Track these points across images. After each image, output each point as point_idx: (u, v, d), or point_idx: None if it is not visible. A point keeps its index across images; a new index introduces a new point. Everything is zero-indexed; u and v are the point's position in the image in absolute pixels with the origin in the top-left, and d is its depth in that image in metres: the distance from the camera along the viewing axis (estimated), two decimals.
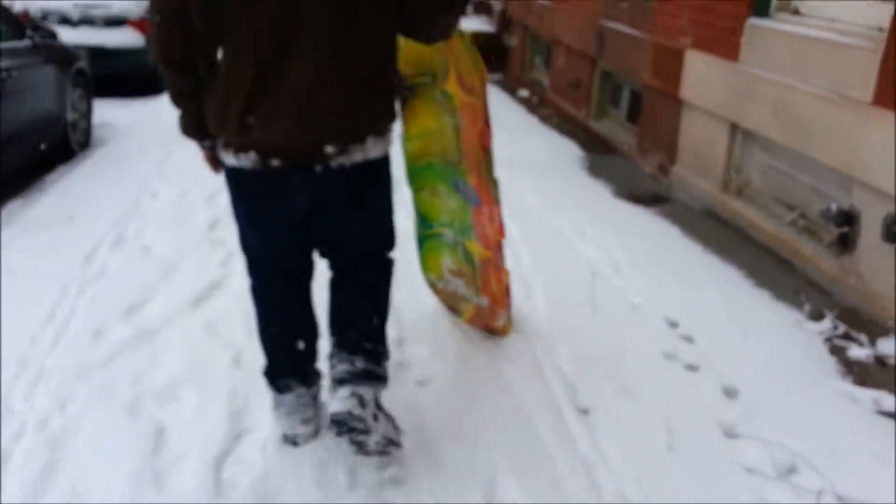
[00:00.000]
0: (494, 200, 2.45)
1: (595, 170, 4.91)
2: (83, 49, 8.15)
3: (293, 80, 1.69)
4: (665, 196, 4.33)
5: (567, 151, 5.43)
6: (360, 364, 1.98)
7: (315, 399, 2.13)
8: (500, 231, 2.50)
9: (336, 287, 2.09)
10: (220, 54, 1.76)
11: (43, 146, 5.32)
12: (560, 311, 2.83)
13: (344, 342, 2.02)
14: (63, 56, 5.89)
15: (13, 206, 4.38)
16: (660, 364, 2.54)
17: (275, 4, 1.65)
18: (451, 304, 2.82)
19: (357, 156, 1.79)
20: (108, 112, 7.74)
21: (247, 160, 1.77)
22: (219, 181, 2.07)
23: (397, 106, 1.97)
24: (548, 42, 7.21)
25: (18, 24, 5.25)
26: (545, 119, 6.49)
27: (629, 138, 5.24)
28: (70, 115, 5.92)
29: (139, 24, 8.49)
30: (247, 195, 1.88)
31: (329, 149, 1.75)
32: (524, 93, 7.63)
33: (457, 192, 2.48)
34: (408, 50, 2.13)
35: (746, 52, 3.67)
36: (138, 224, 3.93)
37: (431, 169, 2.49)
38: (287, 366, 2.08)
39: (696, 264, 3.33)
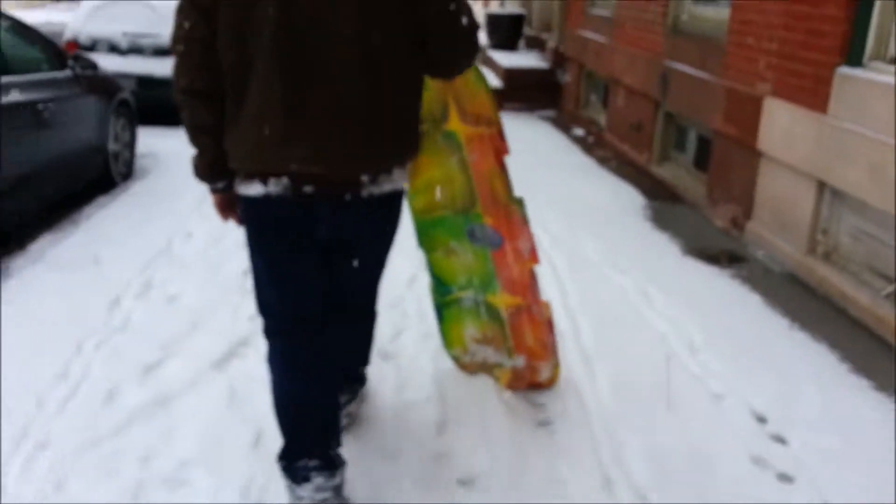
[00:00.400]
0: (521, 222, 2.33)
1: (660, 220, 4.53)
2: (131, 78, 8.20)
3: (325, 107, 1.67)
4: (740, 255, 3.92)
5: (628, 198, 5.06)
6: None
7: (338, 492, 1.90)
8: (533, 256, 2.37)
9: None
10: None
11: (83, 178, 5.21)
12: (629, 400, 2.46)
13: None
14: (105, 86, 5.80)
15: (44, 241, 4.20)
16: (748, 471, 2.16)
17: (305, 34, 1.63)
18: (484, 370, 2.63)
19: (386, 186, 1.79)
20: (153, 141, 7.66)
21: (277, 186, 1.71)
22: None
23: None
24: (605, 80, 6.89)
25: (60, 54, 5.15)
26: (603, 161, 6.14)
27: (696, 186, 4.85)
28: (112, 146, 5.81)
29: None
30: (272, 226, 1.80)
31: (364, 177, 1.74)
32: (579, 131, 7.31)
33: (473, 243, 2.38)
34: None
35: (836, 103, 3.28)
36: (168, 269, 3.70)
37: (443, 224, 2.39)
38: (308, 445, 1.89)
39: (783, 343, 2.91)
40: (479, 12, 14.22)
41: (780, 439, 2.29)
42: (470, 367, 2.65)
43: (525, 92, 8.45)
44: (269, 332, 1.93)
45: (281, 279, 1.86)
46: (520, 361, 2.51)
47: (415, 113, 1.84)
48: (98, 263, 3.74)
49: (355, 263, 1.94)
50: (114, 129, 5.82)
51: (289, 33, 1.63)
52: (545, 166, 5.98)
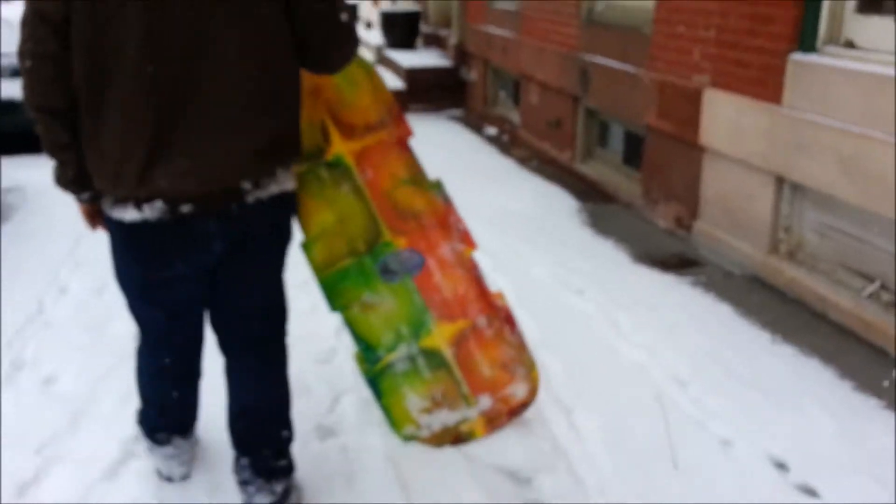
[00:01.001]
0: (443, 207, 2.15)
1: (599, 224, 4.21)
2: None
3: (202, 121, 1.57)
4: (692, 258, 3.65)
5: (559, 200, 4.74)
6: (278, 487, 1.95)
7: (193, 445, 2.17)
8: (467, 240, 2.18)
9: (235, 377, 1.97)
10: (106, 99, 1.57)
11: None
12: (628, 462, 2.08)
13: (258, 467, 1.94)
14: None
15: None
16: None
17: (178, 44, 1.52)
18: (452, 438, 2.26)
19: (272, 188, 1.72)
20: (19, 174, 6.73)
21: (152, 211, 1.62)
22: None
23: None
24: (514, 77, 6.56)
25: None
26: (523, 161, 5.81)
27: (629, 185, 4.58)
28: None
29: None
30: (148, 253, 1.71)
31: (246, 185, 1.66)
32: (491, 130, 6.97)
33: (389, 280, 2.15)
34: None
35: (792, 93, 3.04)
36: (40, 340, 3.04)
37: (348, 276, 2.14)
38: (168, 424, 2.07)
39: (772, 362, 2.62)
40: (372, 11, 13.68)
41: (809, 490, 1.98)
42: (431, 440, 2.25)
43: (429, 92, 8.04)
44: (141, 340, 1.97)
45: (155, 304, 1.82)
46: (485, 403, 2.23)
47: (295, 112, 1.73)
48: None
49: (252, 273, 1.83)
50: None
51: (156, 46, 1.51)
52: (463, 171, 5.57)
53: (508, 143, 6.46)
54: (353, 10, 1.78)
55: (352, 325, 2.17)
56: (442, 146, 6.44)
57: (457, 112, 8.03)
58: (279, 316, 1.95)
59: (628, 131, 4.72)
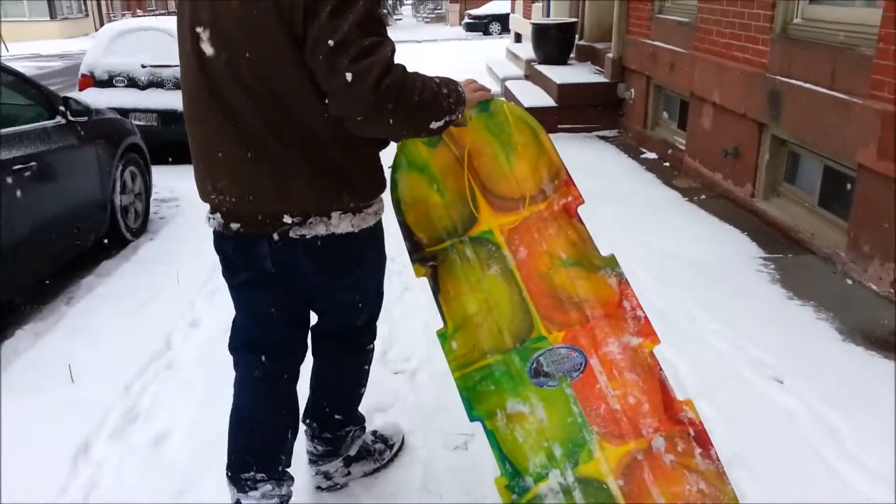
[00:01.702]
0: (616, 294, 1.79)
1: (791, 282, 3.51)
2: (152, 113, 7.46)
3: (231, 149, 1.62)
4: None
5: (738, 247, 4.05)
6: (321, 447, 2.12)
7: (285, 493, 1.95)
8: (649, 332, 1.78)
9: (314, 365, 2.09)
10: None
11: (85, 239, 4.46)
12: None
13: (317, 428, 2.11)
14: (109, 131, 5.02)
15: (18, 338, 3.39)
16: None
17: (209, 68, 1.60)
18: None
19: (319, 229, 1.69)
20: (177, 185, 6.91)
21: (215, 223, 1.77)
22: None
23: (373, 179, 1.72)
24: (681, 96, 5.88)
25: (48, 99, 4.37)
26: (688, 193, 5.13)
27: (828, 233, 3.82)
28: (120, 199, 5.03)
29: None
30: (222, 258, 1.86)
31: (287, 219, 1.67)
32: (650, 155, 6.31)
33: (542, 385, 1.79)
34: (417, 207, 1.89)
35: None
36: (160, 386, 2.84)
37: (491, 378, 1.82)
38: (256, 460, 1.91)
39: None
40: (522, 23, 13.18)
41: None
42: None
43: (581, 111, 7.49)
44: (230, 348, 1.98)
45: (238, 307, 1.94)
46: None
47: (350, 153, 1.64)
48: (69, 382, 2.89)
49: (319, 292, 1.85)
50: (120, 179, 5.04)
51: (198, 67, 1.61)
52: (617, 202, 5.01)
53: (671, 171, 5.78)
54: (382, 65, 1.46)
55: (494, 440, 1.78)
56: (594, 171, 5.88)
57: (611, 133, 7.41)
58: (360, 322, 1.97)
59: (829, 168, 3.95)
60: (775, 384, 2.56)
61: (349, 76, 1.41)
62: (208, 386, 2.80)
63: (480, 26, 28.01)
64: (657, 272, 3.66)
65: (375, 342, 2.11)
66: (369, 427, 2.37)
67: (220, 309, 3.57)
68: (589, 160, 6.34)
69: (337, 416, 2.11)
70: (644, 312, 1.81)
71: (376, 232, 1.82)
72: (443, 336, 1.84)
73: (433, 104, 1.56)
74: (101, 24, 31.89)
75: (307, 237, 1.68)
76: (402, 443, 2.37)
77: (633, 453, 1.70)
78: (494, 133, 1.86)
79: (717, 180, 5.04)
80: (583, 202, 1.85)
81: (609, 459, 1.71)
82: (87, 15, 34.24)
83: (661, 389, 1.75)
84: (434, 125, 1.59)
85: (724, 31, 4.90)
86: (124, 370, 2.95)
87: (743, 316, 3.11)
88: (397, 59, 1.49)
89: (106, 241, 4.82)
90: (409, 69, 1.54)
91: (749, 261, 3.81)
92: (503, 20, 27.15)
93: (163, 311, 3.57)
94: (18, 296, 3.82)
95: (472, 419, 1.81)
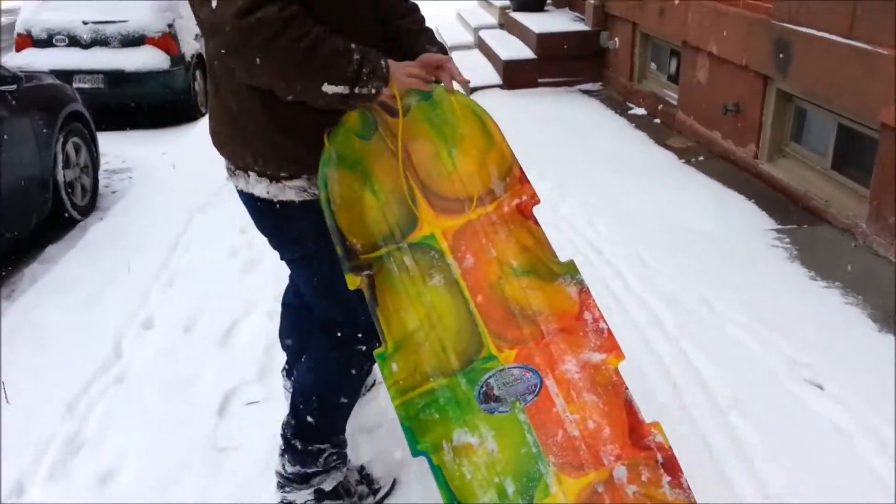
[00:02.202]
0: (575, 305, 1.64)
1: (809, 258, 3.20)
2: (97, 74, 6.86)
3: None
4: None
5: (744, 215, 3.73)
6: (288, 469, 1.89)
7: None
8: (610, 346, 1.62)
9: None
10: None
11: (24, 223, 4.03)
12: None
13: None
14: (45, 99, 4.50)
15: None
16: None
17: None
18: None
19: (240, 183, 1.70)
20: (129, 151, 6.38)
21: None
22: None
23: (287, 150, 1.60)
24: (674, 46, 5.48)
25: None
26: (684, 153, 4.78)
27: (845, 199, 3.52)
28: (63, 175, 4.56)
29: (161, 42, 7.10)
30: None
31: (228, 165, 1.72)
32: (638, 111, 5.93)
33: (491, 411, 1.58)
34: (350, 208, 1.62)
35: None
36: (107, 406, 2.46)
37: (436, 403, 1.59)
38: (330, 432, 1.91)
39: None
40: None
41: None
42: None
43: (562, 62, 7.04)
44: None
45: None
46: None
47: (264, 109, 1.56)
48: (4, 403, 2.50)
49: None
50: (62, 152, 4.55)
51: None
52: (607, 164, 4.65)
53: (663, 128, 5.42)
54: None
55: (441, 477, 1.53)
56: (579, 130, 5.50)
57: (594, 86, 7.00)
58: (334, 318, 1.79)
59: (844, 127, 3.62)
60: (814, 390, 2.26)
61: (214, 2, 1.37)
62: (163, 405, 2.44)
63: None
64: (660, 247, 3.34)
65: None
66: (356, 455, 2.04)
67: (176, 304, 3.18)
68: (573, 117, 5.95)
69: (308, 419, 1.83)
70: (607, 325, 1.64)
71: (312, 214, 1.63)
72: (381, 357, 1.59)
73: (327, 62, 1.43)
74: None
75: (236, 188, 1.72)
76: (392, 488, 2.02)
77: (593, 485, 1.52)
78: (436, 125, 1.68)
79: (716, 139, 4.69)
80: (538, 202, 1.67)
81: (567, 493, 1.52)
82: None
83: (627, 411, 1.57)
84: (329, 89, 1.45)
85: None
86: (68, 384, 2.57)
87: (764, 301, 2.80)
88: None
89: (50, 222, 4.38)
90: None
91: (761, 233, 3.50)
92: None
93: (112, 307, 3.17)
94: None
95: (415, 454, 1.55)
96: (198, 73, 7.63)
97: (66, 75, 6.79)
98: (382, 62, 1.53)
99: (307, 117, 1.55)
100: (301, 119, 1.56)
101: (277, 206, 1.66)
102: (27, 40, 6.98)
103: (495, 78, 7.24)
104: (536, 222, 1.69)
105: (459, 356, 1.60)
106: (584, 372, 1.61)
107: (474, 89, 7.06)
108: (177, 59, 7.16)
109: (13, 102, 4.01)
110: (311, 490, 1.88)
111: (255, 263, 3.58)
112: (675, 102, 5.41)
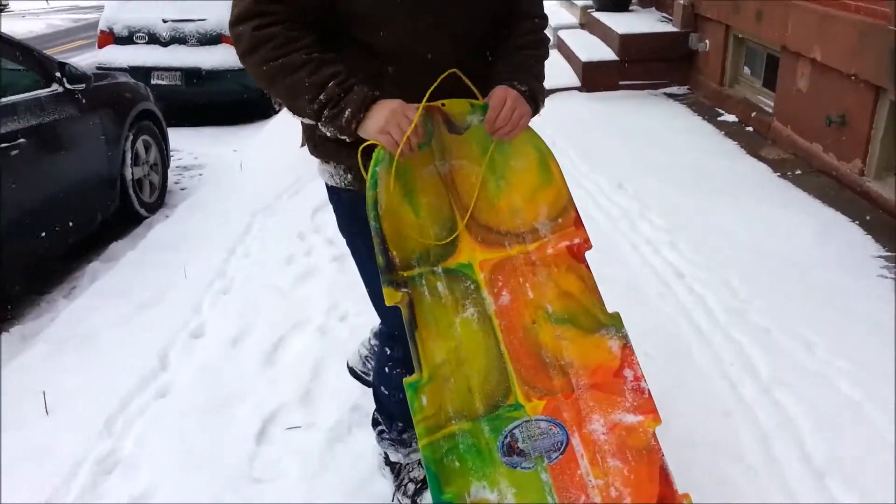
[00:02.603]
0: (615, 361, 1.49)
1: None
2: (175, 71, 6.92)
3: None
4: None
5: (849, 241, 3.33)
6: None
7: None
8: (648, 408, 1.47)
9: None
10: None
11: (91, 219, 4.06)
12: None
13: None
14: (116, 98, 4.50)
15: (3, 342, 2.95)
16: None
17: None
18: None
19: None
20: (203, 150, 6.40)
21: None
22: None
23: (319, 134, 1.58)
24: (771, 51, 5.06)
25: (43, 67, 3.84)
26: (780, 166, 4.38)
27: None
28: (132, 172, 4.56)
29: None
30: None
31: None
32: (729, 118, 5.52)
33: (513, 466, 1.44)
34: (390, 218, 1.48)
35: None
36: (144, 425, 2.33)
37: (456, 450, 1.43)
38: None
39: None
40: None
41: None
42: None
43: (646, 65, 6.68)
44: None
45: None
46: None
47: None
48: (43, 415, 2.41)
49: None
50: (132, 150, 4.55)
51: None
52: (691, 177, 4.30)
53: (756, 138, 5.01)
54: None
55: None
56: (660, 137, 5.15)
57: (680, 90, 6.60)
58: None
59: None
60: None
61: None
62: (201, 426, 2.29)
63: None
64: (752, 275, 3.00)
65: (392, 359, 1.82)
66: None
67: (227, 313, 3.06)
68: (657, 124, 5.59)
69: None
70: (647, 384, 1.51)
71: (336, 204, 1.70)
72: (412, 387, 1.43)
73: (290, 92, 1.43)
74: None
75: None
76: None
77: None
78: (490, 150, 1.56)
79: (816, 152, 4.27)
80: (590, 247, 1.57)
81: None
82: None
83: (661, 480, 1.44)
84: (295, 113, 1.48)
85: None
86: (110, 397, 2.47)
87: (872, 345, 2.45)
88: None
89: (118, 218, 4.39)
90: (302, 42, 1.42)
91: (868, 261, 3.10)
92: None
93: (165, 315, 3.08)
94: (12, 286, 3.38)
95: (437, 501, 1.40)
96: None
97: (145, 72, 6.90)
98: (349, 110, 1.42)
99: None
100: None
101: (331, 189, 1.70)
102: (109, 37, 7.12)
103: (574, 80, 6.94)
104: (588, 267, 1.58)
105: (485, 400, 1.48)
106: (613, 434, 1.49)
107: (551, 91, 6.78)
108: None
109: (83, 101, 4.01)
110: (380, 444, 2.03)
111: (311, 273, 3.44)
112: (770, 110, 4.99)
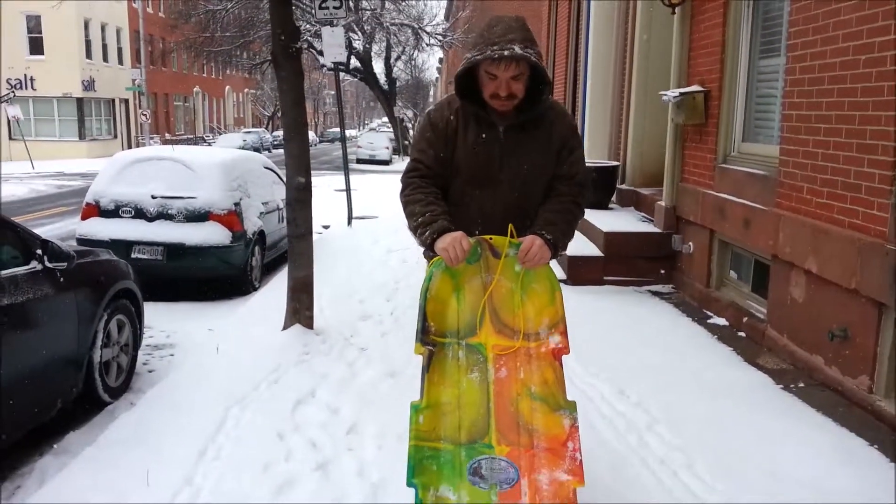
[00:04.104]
0: (564, 435, 2.18)
1: None
2: (157, 246, 6.82)
3: None
4: None
5: (873, 469, 3.11)
6: None
7: None
8: (577, 473, 2.13)
9: None
10: None
11: (48, 405, 3.77)
12: None
13: None
14: (96, 276, 4.31)
15: None
16: None
17: None
18: None
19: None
20: (177, 326, 6.12)
21: None
22: None
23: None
24: (761, 257, 5.13)
25: (24, 244, 3.68)
26: (781, 378, 4.24)
27: None
28: (100, 354, 4.26)
29: (225, 219, 7.11)
30: None
31: None
32: (719, 321, 5.48)
33: (476, 484, 2.16)
34: (439, 301, 2.33)
35: None
36: None
37: (437, 459, 2.19)
38: None
39: None
40: None
41: None
42: None
43: (630, 262, 6.77)
44: None
45: None
46: None
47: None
48: None
49: None
50: (104, 330, 4.29)
51: None
52: (695, 384, 4.13)
53: (750, 344, 4.92)
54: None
55: None
56: (651, 339, 5.05)
57: (664, 289, 6.64)
58: None
59: None
60: None
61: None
62: None
63: None
64: None
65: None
66: None
67: None
68: (645, 322, 5.52)
69: None
70: (581, 456, 2.15)
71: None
72: (415, 408, 2.21)
73: (408, 217, 2.47)
74: (130, 147, 32.66)
75: None
76: None
77: None
78: (518, 273, 2.35)
79: (818, 365, 4.17)
80: (568, 352, 2.29)
81: None
82: (115, 137, 35.16)
83: None
84: (410, 229, 2.47)
85: (819, 189, 4.21)
86: None
87: None
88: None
89: (78, 403, 4.03)
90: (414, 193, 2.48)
91: (890, 493, 2.87)
92: None
93: None
94: None
95: (409, 484, 2.14)
96: (256, 248, 7.58)
97: (126, 245, 6.79)
98: (428, 232, 2.36)
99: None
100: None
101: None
102: (94, 210, 7.07)
103: (558, 272, 6.97)
104: (561, 365, 2.30)
105: (468, 435, 2.21)
106: (551, 486, 2.14)
107: None
108: (238, 235, 7.14)
109: (61, 280, 3.81)
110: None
111: (290, 484, 3.09)
112: (762, 317, 4.96)
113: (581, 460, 2.12)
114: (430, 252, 2.39)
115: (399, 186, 2.55)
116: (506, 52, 2.26)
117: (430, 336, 2.26)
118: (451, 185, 2.51)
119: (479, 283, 2.33)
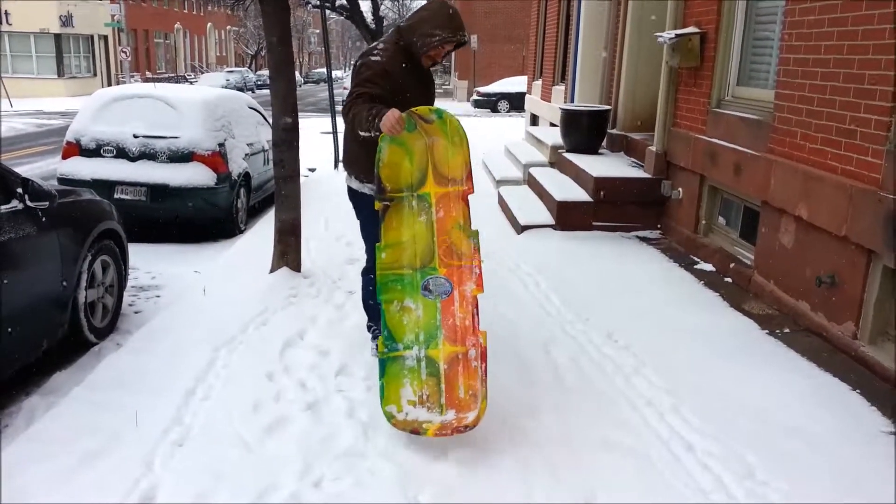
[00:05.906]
0: (473, 252, 3.03)
1: None
2: (141, 187, 6.71)
3: None
4: None
5: (852, 412, 3.16)
6: None
7: None
8: (480, 283, 3.00)
9: None
10: None
11: (35, 346, 3.73)
12: None
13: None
14: (78, 217, 4.22)
15: None
16: None
17: None
18: (412, 429, 2.87)
19: (352, 183, 3.63)
20: (163, 268, 6.06)
21: None
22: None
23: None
24: (750, 203, 5.12)
25: (4, 183, 3.58)
26: (767, 323, 4.28)
27: None
28: (85, 295, 4.20)
29: (209, 160, 6.97)
30: None
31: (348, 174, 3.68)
32: (705, 266, 5.50)
33: (426, 296, 3.03)
34: (392, 167, 3.09)
35: None
36: None
37: (401, 281, 3.05)
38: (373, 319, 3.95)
39: None
40: (542, 106, 12.56)
41: None
42: (399, 424, 2.87)
43: (619, 207, 6.74)
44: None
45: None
46: (449, 416, 2.87)
47: (356, 151, 3.52)
48: None
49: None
50: (88, 271, 4.22)
51: None
52: (682, 330, 4.17)
53: (736, 289, 4.95)
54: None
55: (386, 317, 3.02)
56: (641, 284, 5.06)
57: (652, 234, 6.63)
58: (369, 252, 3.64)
59: None
60: None
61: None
62: None
63: (489, 104, 27.89)
64: (765, 451, 2.79)
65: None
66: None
67: (183, 472, 2.67)
68: (633, 268, 5.53)
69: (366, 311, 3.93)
70: (480, 270, 3.02)
71: (371, 201, 3.23)
72: (378, 248, 3.06)
73: (363, 126, 3.16)
74: (110, 85, 31.88)
75: (348, 186, 3.66)
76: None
77: (458, 353, 2.97)
78: (447, 134, 3.07)
79: (804, 311, 4.20)
80: (473, 192, 3.08)
81: (445, 352, 2.97)
82: (95, 75, 34.27)
83: (476, 321, 2.98)
84: (360, 129, 3.21)
85: (813, 135, 4.17)
86: None
87: None
88: None
89: (64, 343, 4.00)
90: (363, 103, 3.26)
91: (878, 438, 2.93)
92: (511, 98, 26.97)
93: (111, 472, 2.67)
94: None
95: (377, 301, 3.09)
96: (242, 191, 7.47)
97: (109, 186, 6.67)
98: (374, 114, 3.09)
99: (373, 154, 3.14)
100: (371, 153, 3.15)
101: (361, 195, 3.53)
102: (75, 149, 6.90)
103: (547, 217, 6.95)
104: (468, 204, 3.09)
105: (420, 261, 3.05)
106: (469, 293, 3.02)
107: (528, 227, 6.76)
108: (223, 176, 7.02)
109: (43, 219, 3.72)
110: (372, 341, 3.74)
111: (281, 423, 3.10)
112: (749, 263, 4.98)
113: (480, 273, 2.99)
114: (380, 185, 3.12)
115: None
116: (464, 40, 3.33)
117: (386, 194, 3.06)
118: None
119: (424, 146, 3.06)
